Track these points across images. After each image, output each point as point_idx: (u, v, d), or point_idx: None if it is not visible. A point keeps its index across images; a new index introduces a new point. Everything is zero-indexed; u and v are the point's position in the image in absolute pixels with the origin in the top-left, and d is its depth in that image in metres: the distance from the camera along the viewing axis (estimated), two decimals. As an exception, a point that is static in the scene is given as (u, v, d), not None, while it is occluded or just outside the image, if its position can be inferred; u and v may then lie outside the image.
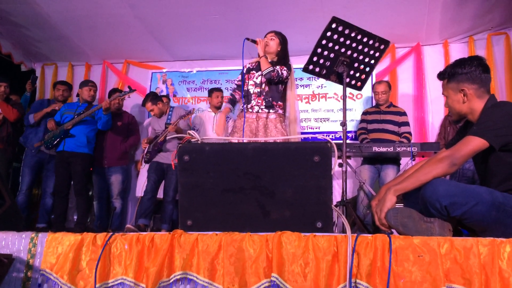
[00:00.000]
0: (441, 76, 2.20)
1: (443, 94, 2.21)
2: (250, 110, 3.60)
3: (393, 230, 1.92)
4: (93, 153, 4.96)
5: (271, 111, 3.56)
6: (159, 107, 5.01)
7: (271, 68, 3.49)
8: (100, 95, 6.17)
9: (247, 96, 3.66)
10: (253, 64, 3.76)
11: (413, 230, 1.79)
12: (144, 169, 5.22)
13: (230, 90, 5.96)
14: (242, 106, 3.69)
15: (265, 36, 3.70)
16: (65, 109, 4.97)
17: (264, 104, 3.56)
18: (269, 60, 3.63)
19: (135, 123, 5.53)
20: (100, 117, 4.84)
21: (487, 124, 1.95)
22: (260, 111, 3.56)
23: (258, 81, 3.60)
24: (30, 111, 5.16)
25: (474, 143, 1.93)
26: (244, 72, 3.75)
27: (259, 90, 3.58)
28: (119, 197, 5.15)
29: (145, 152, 4.96)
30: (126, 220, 5.50)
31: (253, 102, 3.60)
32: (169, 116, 4.99)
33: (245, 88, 3.68)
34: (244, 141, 3.28)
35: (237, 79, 3.85)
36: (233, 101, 3.82)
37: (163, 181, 4.90)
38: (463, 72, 2.09)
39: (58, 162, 4.78)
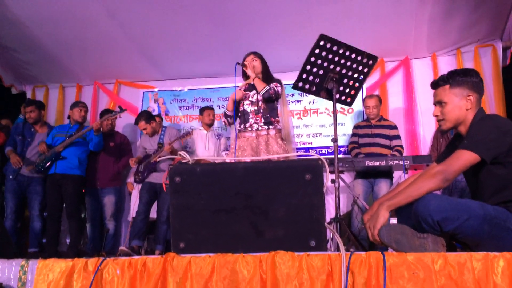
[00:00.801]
0: (442, 81, 2.16)
1: (440, 100, 2.15)
2: (249, 129, 3.65)
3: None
4: (85, 174, 4.93)
5: (270, 127, 3.62)
6: (152, 126, 5.01)
7: (267, 87, 3.59)
8: (91, 116, 6.15)
9: (243, 116, 3.72)
10: (245, 86, 3.84)
11: (406, 246, 1.78)
12: (135, 190, 5.19)
13: (223, 108, 6.05)
14: (239, 126, 3.74)
15: (245, 59, 3.79)
16: (56, 131, 4.95)
17: (263, 121, 3.62)
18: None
19: (128, 143, 5.51)
20: (92, 138, 4.82)
21: (478, 137, 1.96)
22: (259, 128, 3.62)
23: (254, 99, 3.68)
24: (9, 140, 5.13)
25: (466, 157, 1.93)
26: (230, 116, 3.81)
27: (256, 108, 3.65)
28: (112, 219, 5.10)
29: (136, 171, 4.93)
30: (119, 241, 5.44)
31: (251, 121, 3.65)
32: (161, 136, 4.99)
33: (241, 109, 3.74)
34: (248, 160, 3.30)
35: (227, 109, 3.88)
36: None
37: (155, 202, 4.87)
38: (471, 80, 2.10)
39: (49, 185, 4.73)
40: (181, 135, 4.87)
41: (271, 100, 3.66)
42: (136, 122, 5.09)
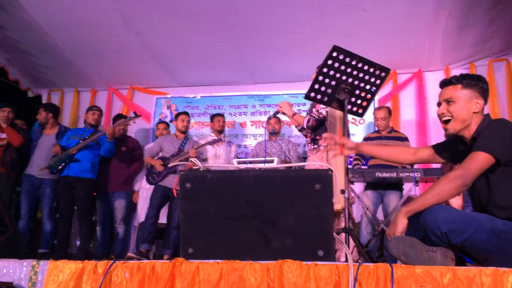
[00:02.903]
0: (456, 80, 2.12)
1: (449, 98, 2.10)
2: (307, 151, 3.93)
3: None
4: (97, 178, 4.98)
5: (315, 146, 3.75)
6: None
7: (306, 119, 3.69)
8: (105, 120, 6.24)
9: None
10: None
11: (415, 259, 1.78)
12: (144, 190, 5.22)
13: (234, 116, 6.12)
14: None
15: None
16: (71, 134, 5.02)
17: (310, 141, 3.80)
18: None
19: (139, 148, 5.56)
20: (104, 143, 4.87)
21: (491, 138, 1.93)
22: (308, 150, 3.83)
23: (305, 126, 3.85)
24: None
25: (482, 159, 1.90)
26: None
27: (305, 132, 3.86)
28: (122, 223, 5.14)
29: (150, 172, 4.94)
30: (128, 245, 5.47)
31: (307, 143, 3.92)
32: (183, 144, 5.03)
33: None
34: None
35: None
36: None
37: (164, 206, 4.89)
38: (482, 86, 2.10)
39: (62, 187, 4.80)
40: (211, 141, 4.91)
41: (318, 126, 3.70)
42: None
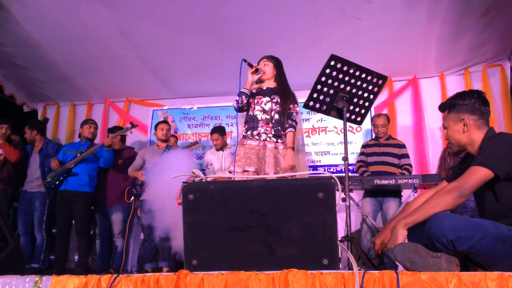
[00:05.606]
0: (442, 107, 2.27)
1: (443, 125, 2.28)
2: (257, 137, 3.39)
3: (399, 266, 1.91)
4: (94, 192, 4.95)
5: (279, 141, 3.41)
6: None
7: (291, 131, 3.40)
8: (101, 133, 6.22)
9: (252, 122, 3.45)
10: (257, 89, 3.58)
11: (420, 265, 1.78)
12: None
13: (231, 126, 6.10)
14: (245, 132, 3.47)
15: (258, 63, 3.62)
16: (67, 148, 5.01)
17: (273, 132, 3.39)
18: (270, 86, 3.52)
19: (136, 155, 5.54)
20: (102, 154, 4.86)
21: (490, 153, 1.99)
22: (268, 139, 3.38)
23: (267, 107, 3.44)
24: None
25: (480, 173, 1.96)
26: (248, 96, 3.48)
27: (268, 117, 3.42)
28: (120, 236, 5.10)
29: (133, 184, 4.92)
30: (127, 259, 5.43)
31: (261, 129, 3.40)
32: (164, 153, 5.00)
33: (250, 113, 3.48)
34: (253, 170, 3.24)
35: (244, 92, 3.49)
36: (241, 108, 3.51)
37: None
38: (463, 104, 2.16)
39: (60, 202, 4.77)
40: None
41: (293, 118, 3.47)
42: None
